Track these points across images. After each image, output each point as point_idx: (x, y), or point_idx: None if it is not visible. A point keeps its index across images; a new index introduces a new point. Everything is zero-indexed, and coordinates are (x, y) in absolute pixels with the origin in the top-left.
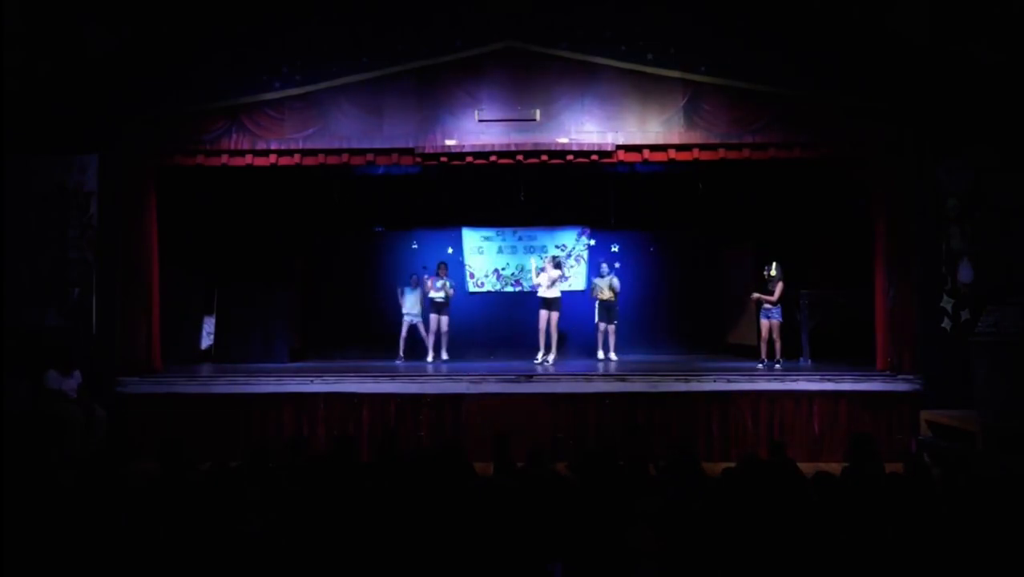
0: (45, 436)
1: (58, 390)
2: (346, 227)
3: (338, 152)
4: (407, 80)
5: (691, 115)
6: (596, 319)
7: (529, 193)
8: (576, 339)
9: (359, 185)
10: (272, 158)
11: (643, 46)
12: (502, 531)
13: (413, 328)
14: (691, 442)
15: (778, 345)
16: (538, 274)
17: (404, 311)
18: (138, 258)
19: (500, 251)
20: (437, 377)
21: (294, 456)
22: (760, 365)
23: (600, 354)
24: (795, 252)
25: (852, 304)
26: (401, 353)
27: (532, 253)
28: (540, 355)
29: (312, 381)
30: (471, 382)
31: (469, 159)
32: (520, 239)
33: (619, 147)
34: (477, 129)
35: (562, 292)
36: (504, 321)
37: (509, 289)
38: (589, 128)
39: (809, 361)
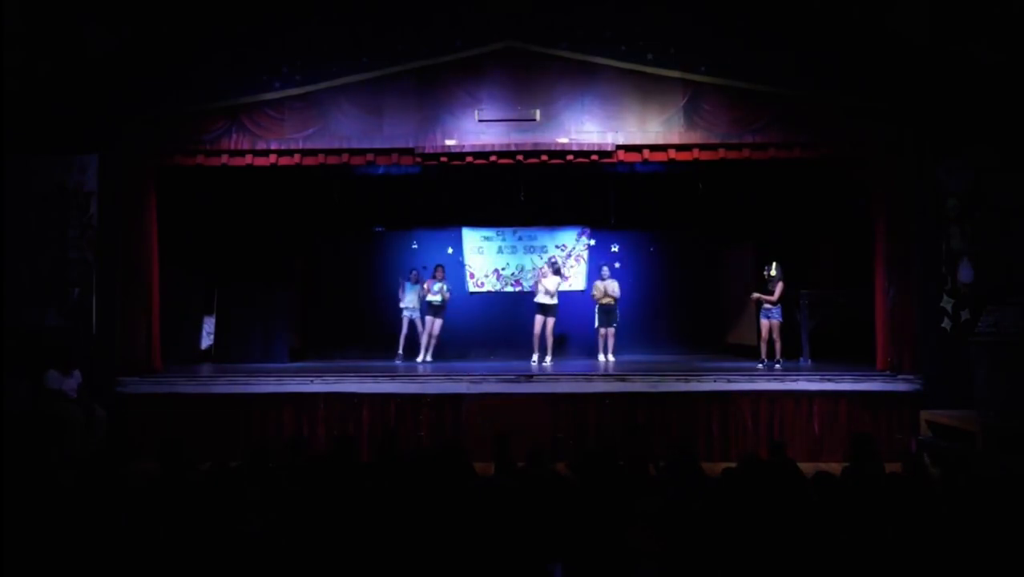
0: (45, 436)
1: (58, 390)
2: (346, 227)
3: (338, 152)
4: (407, 80)
5: (691, 115)
6: (596, 324)
7: (529, 193)
8: (576, 340)
9: (359, 185)
10: (272, 158)
11: (643, 46)
12: (502, 531)
13: (412, 324)
14: (691, 442)
15: (778, 345)
16: (535, 283)
17: (402, 305)
18: (138, 258)
19: (500, 251)
20: (437, 377)
21: (294, 456)
22: (760, 365)
23: (600, 357)
24: (795, 252)
25: (852, 304)
26: (400, 351)
27: (532, 253)
28: (535, 358)
29: (312, 381)
30: (471, 382)
31: (469, 159)
32: (520, 239)
33: (619, 147)
34: (477, 129)
35: (562, 292)
36: (504, 321)
37: (509, 289)
38: (589, 128)
39: (809, 361)
